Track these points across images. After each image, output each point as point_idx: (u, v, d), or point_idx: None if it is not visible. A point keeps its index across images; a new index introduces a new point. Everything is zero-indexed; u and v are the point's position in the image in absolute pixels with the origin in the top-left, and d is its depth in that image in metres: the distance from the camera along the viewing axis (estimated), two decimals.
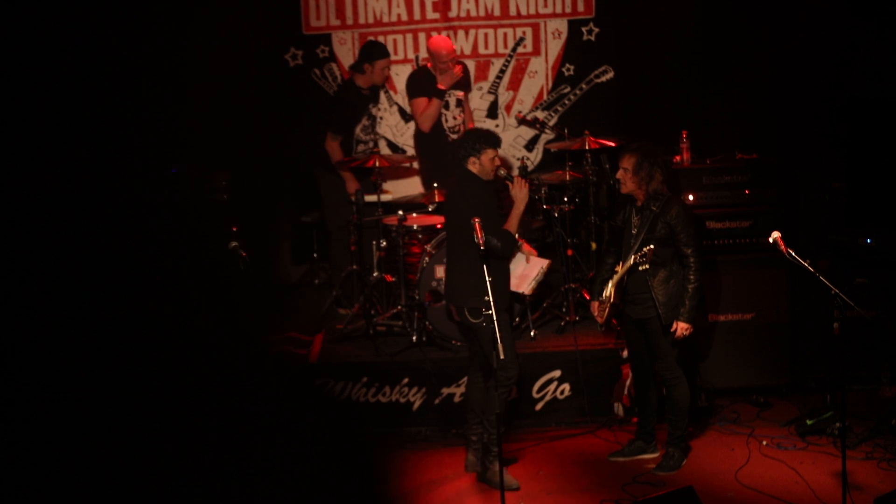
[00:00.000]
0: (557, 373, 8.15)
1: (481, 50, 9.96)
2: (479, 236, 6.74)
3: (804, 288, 8.23)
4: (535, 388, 8.14)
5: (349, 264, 8.89)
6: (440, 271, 8.20)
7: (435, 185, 8.86)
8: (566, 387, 8.16)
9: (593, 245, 8.93)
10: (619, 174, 7.19)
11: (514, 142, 10.04)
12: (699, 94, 9.51)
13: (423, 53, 9.62)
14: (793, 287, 8.29)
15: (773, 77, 9.35)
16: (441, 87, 9.06)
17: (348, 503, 7.07)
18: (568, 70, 10.01)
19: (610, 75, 9.99)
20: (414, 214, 8.77)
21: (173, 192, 8.54)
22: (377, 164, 8.54)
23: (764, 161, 8.48)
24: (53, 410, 6.51)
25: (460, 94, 9.26)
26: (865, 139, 8.62)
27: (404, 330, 8.49)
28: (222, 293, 7.78)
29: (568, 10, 9.91)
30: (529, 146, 10.08)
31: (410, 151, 9.73)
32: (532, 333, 8.41)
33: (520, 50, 9.98)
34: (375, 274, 8.76)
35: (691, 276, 7.10)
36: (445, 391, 8.13)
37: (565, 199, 8.72)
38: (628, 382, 7.97)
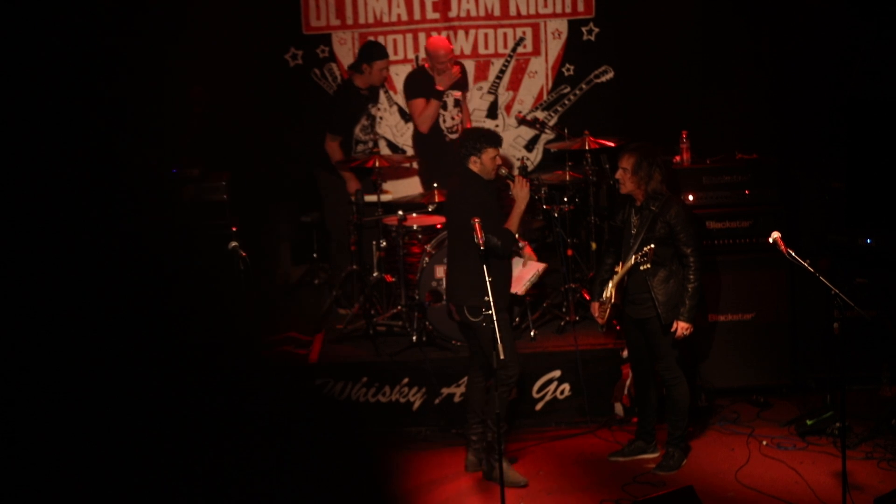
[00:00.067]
0: (557, 373, 8.15)
1: (481, 50, 9.96)
2: (479, 236, 6.75)
3: (804, 288, 8.23)
4: (535, 388, 8.14)
5: (349, 264, 8.89)
6: (440, 271, 8.20)
7: (435, 185, 8.86)
8: (566, 387, 8.16)
9: (593, 245, 8.93)
10: (619, 174, 7.19)
11: (514, 142, 10.04)
12: (699, 94, 9.51)
13: (423, 54, 9.62)
14: (793, 287, 8.29)
15: (773, 77, 9.35)
16: (439, 87, 9.06)
17: (348, 503, 7.07)
18: (568, 70, 10.01)
19: (610, 75, 9.99)
20: (414, 214, 8.77)
21: (173, 192, 8.54)
22: (377, 164, 8.54)
23: (764, 161, 8.48)
24: (54, 411, 6.52)
25: (458, 94, 9.26)
26: (865, 139, 8.62)
27: (404, 330, 8.49)
28: (222, 293, 7.77)
29: (568, 10, 9.91)
30: (529, 146, 10.08)
31: (410, 151, 9.73)
32: (532, 333, 8.41)
33: (520, 50, 9.98)
34: (375, 274, 8.76)
35: (691, 276, 7.10)
36: (445, 391, 8.13)
37: (565, 199, 8.72)
38: (628, 382, 7.97)
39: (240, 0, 9.49)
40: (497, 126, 9.90)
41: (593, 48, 9.96)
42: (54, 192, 6.89)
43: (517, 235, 7.28)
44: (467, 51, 9.93)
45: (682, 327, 7.11)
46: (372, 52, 9.08)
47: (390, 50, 9.76)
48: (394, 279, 8.65)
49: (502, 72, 9.99)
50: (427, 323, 8.35)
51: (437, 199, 8.74)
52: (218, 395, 7.32)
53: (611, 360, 8.14)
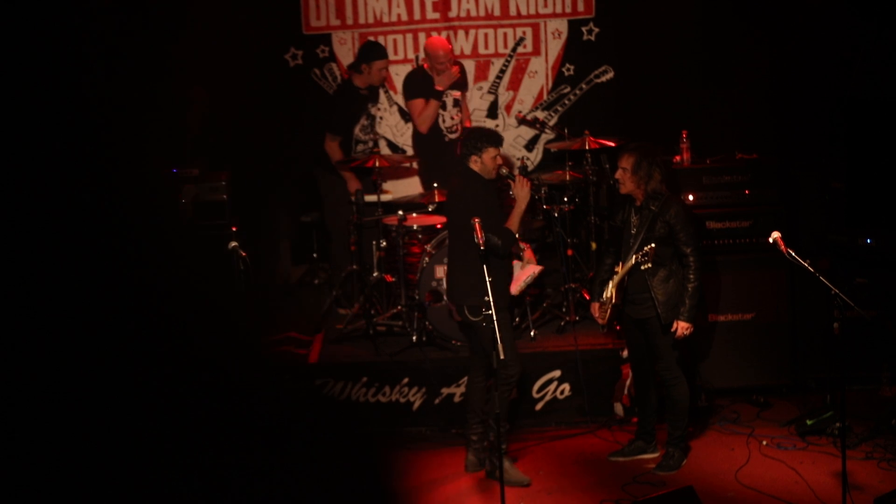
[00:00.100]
0: (557, 373, 8.15)
1: (481, 50, 9.96)
2: (479, 236, 6.75)
3: (804, 288, 8.23)
4: (535, 388, 8.14)
5: (349, 264, 8.89)
6: (440, 271, 8.21)
7: (435, 185, 8.86)
8: (566, 387, 8.16)
9: (593, 245, 8.93)
10: (618, 174, 7.19)
11: (514, 142, 10.04)
12: (699, 94, 9.51)
13: (423, 54, 9.62)
14: (793, 287, 8.28)
15: (773, 77, 9.35)
16: (438, 88, 9.06)
17: (348, 503, 7.07)
18: (568, 70, 10.01)
19: (610, 75, 9.99)
20: (414, 214, 8.77)
21: (172, 193, 8.54)
22: (377, 164, 8.54)
23: (764, 161, 8.48)
24: (54, 411, 6.51)
25: (457, 94, 9.26)
26: (865, 139, 8.62)
27: (404, 330, 8.49)
28: (222, 293, 7.77)
29: (568, 10, 9.91)
30: (529, 146, 10.09)
31: (410, 151, 9.73)
32: (532, 333, 8.41)
33: (520, 50, 9.98)
34: (375, 274, 8.76)
35: (691, 276, 7.10)
36: (445, 391, 8.13)
37: (565, 199, 8.72)
38: (628, 382, 7.97)
39: (240, 0, 9.49)
40: (497, 126, 9.90)
41: (593, 48, 9.96)
42: (54, 192, 6.89)
43: (519, 238, 7.29)
44: (467, 51, 9.93)
45: (682, 327, 7.11)
46: (371, 53, 9.08)
47: (390, 50, 9.76)
48: (394, 279, 8.65)
49: (502, 72, 9.99)
50: (427, 323, 8.35)
51: (437, 199, 8.74)
52: (218, 396, 7.31)
53: (611, 360, 8.14)
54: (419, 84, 9.16)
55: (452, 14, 9.88)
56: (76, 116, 7.19)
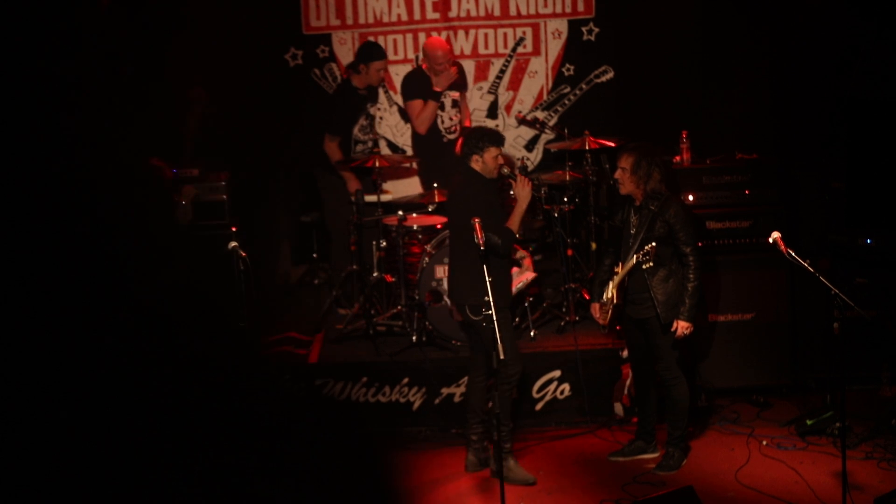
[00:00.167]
0: (557, 373, 8.15)
1: (481, 50, 9.96)
2: (479, 236, 6.75)
3: (804, 288, 8.23)
4: (535, 388, 8.14)
5: (349, 264, 8.89)
6: (440, 271, 8.21)
7: (435, 185, 8.86)
8: (566, 387, 8.16)
9: (593, 245, 8.93)
10: (618, 174, 7.19)
11: (514, 142, 10.04)
12: (699, 94, 9.51)
13: (422, 54, 9.62)
14: (793, 287, 8.28)
15: (773, 77, 9.35)
16: (437, 89, 9.05)
17: (348, 503, 7.07)
18: (568, 70, 10.01)
19: (610, 75, 9.99)
20: (414, 214, 8.77)
21: (171, 193, 8.54)
22: (377, 164, 8.54)
23: (764, 161, 8.48)
24: (53, 412, 6.51)
25: (456, 94, 9.26)
26: (865, 139, 8.62)
27: (404, 330, 8.49)
28: (222, 293, 7.77)
29: (568, 10, 9.91)
30: (529, 146, 10.09)
31: (410, 151, 9.73)
32: (532, 333, 8.41)
33: (520, 50, 9.98)
34: (375, 274, 8.76)
35: (691, 275, 7.10)
36: (445, 391, 8.13)
37: (565, 199, 8.72)
38: (628, 382, 7.97)
39: (240, 0, 9.49)
40: (497, 126, 9.90)
41: (593, 48, 9.96)
42: (53, 192, 6.89)
43: (519, 244, 7.30)
44: (467, 51, 9.93)
45: (682, 326, 7.11)
46: (369, 53, 9.07)
47: (390, 50, 9.77)
48: (394, 279, 8.65)
49: (502, 72, 9.99)
50: (427, 323, 8.35)
51: (437, 199, 8.74)
52: (218, 396, 7.31)
53: (611, 360, 8.14)
54: (418, 85, 9.16)
55: (452, 14, 9.88)
56: (76, 116, 7.19)
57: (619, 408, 8.10)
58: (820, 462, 7.35)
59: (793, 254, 6.54)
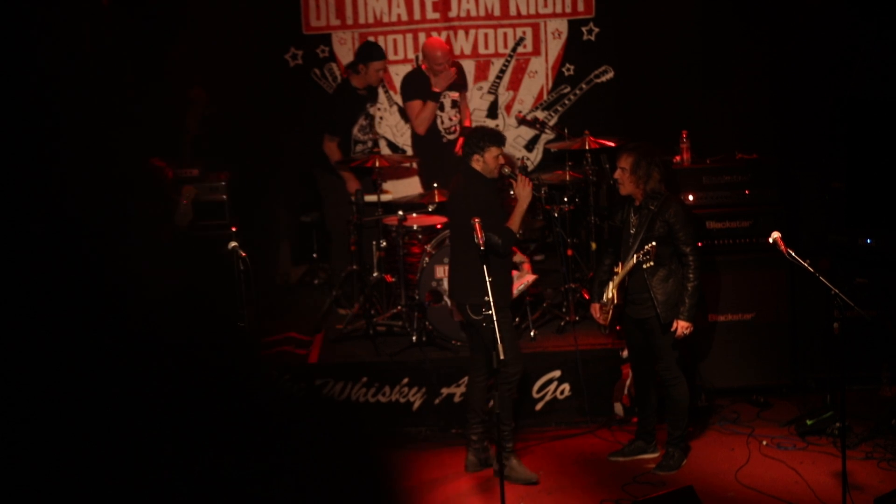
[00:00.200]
0: (557, 373, 8.15)
1: (481, 50, 9.96)
2: (479, 236, 6.75)
3: (804, 288, 8.22)
4: (535, 388, 8.14)
5: (349, 264, 8.88)
6: (440, 271, 8.21)
7: (435, 185, 8.86)
8: (566, 387, 8.16)
9: (593, 245, 8.92)
10: (617, 174, 7.19)
11: (514, 142, 10.04)
12: (699, 94, 9.51)
13: (422, 55, 9.62)
14: (793, 287, 8.28)
15: (773, 77, 9.35)
16: (435, 89, 9.04)
17: (348, 503, 7.07)
18: (568, 70, 10.01)
19: (610, 75, 9.99)
20: (414, 214, 8.77)
21: (171, 193, 8.53)
22: (377, 163, 8.54)
23: (764, 161, 8.47)
24: (53, 412, 6.51)
25: (455, 94, 9.26)
26: (865, 139, 8.61)
27: (404, 330, 8.49)
28: (221, 294, 7.76)
29: (568, 10, 9.91)
30: (529, 146, 10.09)
31: (410, 151, 9.73)
32: (532, 333, 8.41)
33: (520, 50, 9.98)
34: (375, 274, 8.76)
35: (690, 275, 7.10)
36: (445, 391, 8.13)
37: (565, 199, 8.71)
38: (628, 382, 7.97)
39: (240, 0, 9.49)
40: (497, 126, 9.89)
41: (593, 48, 9.96)
42: (52, 192, 6.88)
43: (519, 244, 7.30)
44: (467, 51, 9.93)
45: (681, 326, 7.10)
46: (368, 53, 9.06)
47: (390, 50, 9.77)
48: (394, 279, 8.64)
49: (502, 72, 9.99)
50: (427, 323, 8.35)
51: (437, 199, 8.74)
52: (217, 396, 7.30)
53: (611, 360, 8.14)
54: (417, 85, 9.16)
55: (452, 14, 9.88)
56: (74, 116, 7.18)
57: (619, 408, 8.10)
58: (820, 462, 7.35)
59: (793, 254, 6.54)
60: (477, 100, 9.97)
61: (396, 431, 8.06)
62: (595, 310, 7.43)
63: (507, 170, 7.36)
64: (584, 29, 9.93)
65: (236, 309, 7.60)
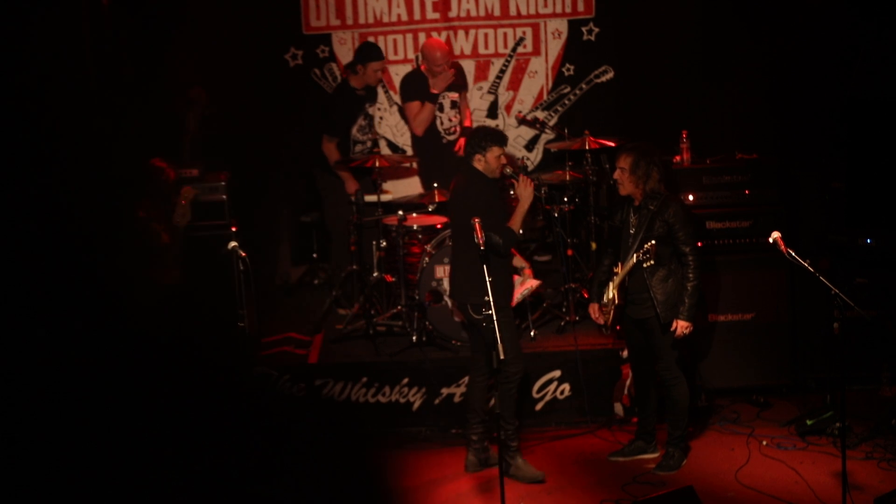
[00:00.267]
0: (557, 373, 8.15)
1: (481, 50, 9.97)
2: (479, 236, 6.75)
3: (804, 288, 8.22)
4: (535, 388, 8.14)
5: (349, 264, 8.89)
6: (440, 271, 8.21)
7: (435, 185, 8.86)
8: (566, 387, 8.16)
9: (593, 245, 8.93)
10: (617, 174, 7.18)
11: (514, 142, 10.04)
12: (699, 94, 9.52)
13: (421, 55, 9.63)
14: (793, 287, 8.28)
15: (773, 77, 9.35)
16: (434, 91, 9.04)
17: (348, 503, 7.07)
18: (568, 70, 10.01)
19: (610, 75, 9.99)
20: (414, 214, 8.77)
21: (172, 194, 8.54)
22: (377, 164, 8.54)
23: (764, 161, 8.47)
24: (55, 412, 6.51)
25: (455, 95, 9.26)
26: (865, 139, 8.62)
27: (404, 330, 8.49)
28: (221, 294, 7.77)
29: (568, 10, 9.91)
30: (529, 146, 10.09)
31: (410, 151, 9.73)
32: (532, 333, 8.41)
33: (520, 50, 9.98)
34: (375, 274, 8.76)
35: (690, 275, 7.09)
36: (445, 391, 8.13)
37: (565, 199, 8.72)
38: (628, 382, 7.97)
39: (240, 0, 9.49)
40: (497, 126, 9.90)
41: (593, 48, 9.96)
42: (52, 192, 6.89)
43: (520, 244, 7.30)
44: (467, 51, 9.93)
45: (681, 326, 7.10)
46: (366, 54, 9.06)
47: (390, 50, 9.77)
48: (394, 279, 8.64)
49: (502, 72, 9.99)
50: (427, 323, 8.35)
51: (437, 199, 8.74)
52: (217, 395, 7.31)
53: (611, 360, 8.14)
54: (416, 86, 9.15)
55: (452, 14, 9.88)
56: (75, 116, 7.19)
57: (619, 408, 8.10)
58: (820, 462, 7.35)
59: (793, 254, 6.54)
60: (477, 100, 9.97)
61: (396, 432, 8.06)
62: (593, 310, 7.43)
63: (508, 170, 7.36)
64: (584, 29, 9.93)
65: (236, 309, 7.61)
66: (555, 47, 9.98)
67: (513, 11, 9.91)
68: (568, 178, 8.78)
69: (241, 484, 6.89)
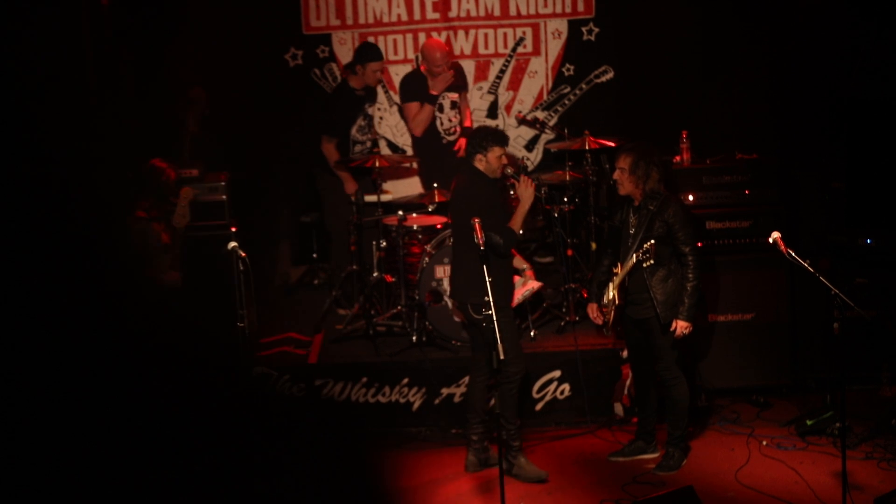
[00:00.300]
0: (557, 373, 8.15)
1: (481, 50, 9.96)
2: (479, 236, 6.75)
3: (804, 288, 8.23)
4: (535, 388, 8.14)
5: (349, 264, 8.89)
6: (440, 271, 8.21)
7: (435, 185, 8.86)
8: (566, 387, 8.16)
9: (593, 245, 8.93)
10: (616, 174, 7.18)
11: (514, 142, 10.04)
12: (699, 94, 9.51)
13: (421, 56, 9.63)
14: (793, 287, 8.28)
15: (773, 77, 9.35)
16: (433, 92, 9.03)
17: (348, 503, 7.07)
18: (568, 70, 10.01)
19: (610, 75, 9.99)
20: (414, 214, 8.77)
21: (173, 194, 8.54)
22: (377, 164, 8.54)
23: (764, 161, 8.48)
24: (54, 411, 6.51)
25: (454, 95, 9.26)
26: (865, 139, 8.62)
27: (404, 330, 8.49)
28: (221, 294, 7.76)
29: (568, 10, 9.91)
30: (529, 146, 10.09)
31: (410, 151, 9.73)
32: (532, 333, 8.41)
33: (520, 50, 9.98)
34: (375, 274, 8.76)
35: (690, 275, 7.09)
36: (445, 391, 8.13)
37: (565, 199, 8.72)
38: (628, 382, 7.97)
39: (240, 0, 9.49)
40: (497, 126, 9.90)
41: (593, 48, 9.96)
42: (51, 192, 6.89)
43: (520, 245, 7.29)
44: (467, 51, 9.93)
45: (681, 326, 7.10)
46: (365, 54, 9.05)
47: (390, 50, 9.77)
48: (394, 279, 8.64)
49: (502, 72, 9.99)
50: (427, 323, 8.35)
51: (437, 199, 8.74)
52: (217, 395, 7.31)
53: (611, 360, 8.14)
54: (415, 87, 9.15)
55: (452, 14, 9.88)
56: (74, 116, 7.19)
57: (619, 408, 8.10)
58: (820, 462, 7.35)
59: (793, 254, 6.54)
60: (477, 100, 9.97)
61: (396, 432, 8.07)
62: (592, 310, 7.43)
63: (510, 170, 7.36)
64: (584, 29, 9.93)
65: (236, 309, 7.60)
66: (555, 47, 9.98)
67: (513, 11, 9.91)
68: (568, 178, 8.78)
69: (240, 484, 6.89)
